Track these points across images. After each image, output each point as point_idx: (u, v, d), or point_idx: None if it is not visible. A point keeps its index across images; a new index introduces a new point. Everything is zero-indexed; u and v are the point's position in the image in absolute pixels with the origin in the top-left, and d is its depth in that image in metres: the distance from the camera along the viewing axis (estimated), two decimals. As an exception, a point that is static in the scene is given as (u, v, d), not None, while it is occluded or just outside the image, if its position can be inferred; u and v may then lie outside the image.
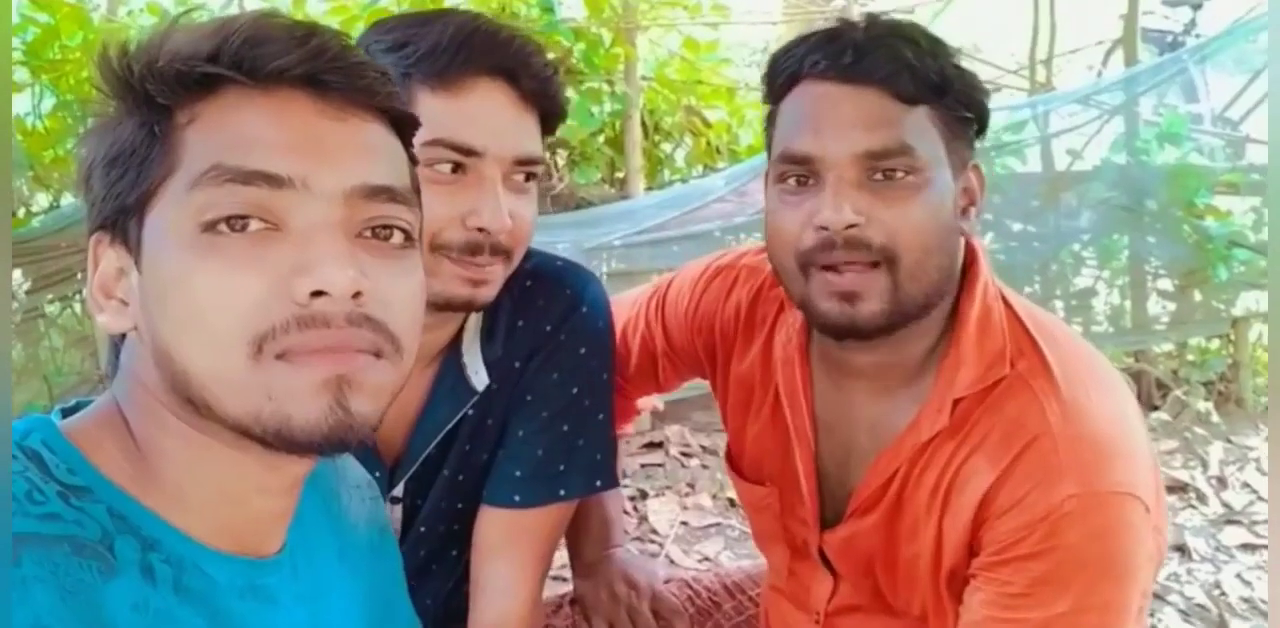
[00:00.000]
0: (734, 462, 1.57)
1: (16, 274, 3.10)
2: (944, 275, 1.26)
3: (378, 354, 0.80)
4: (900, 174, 1.21)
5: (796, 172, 1.25)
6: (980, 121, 1.30)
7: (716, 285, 1.57)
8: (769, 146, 1.32)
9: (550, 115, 1.32)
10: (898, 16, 1.33)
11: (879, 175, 1.21)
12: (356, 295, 0.78)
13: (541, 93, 1.28)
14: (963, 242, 1.30)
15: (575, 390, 1.43)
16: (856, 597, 1.44)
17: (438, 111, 1.22)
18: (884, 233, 1.20)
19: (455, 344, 1.40)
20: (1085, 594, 1.19)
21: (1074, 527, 1.18)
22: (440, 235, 1.22)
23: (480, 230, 1.23)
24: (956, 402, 1.27)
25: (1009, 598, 1.22)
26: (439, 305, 1.25)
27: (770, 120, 1.33)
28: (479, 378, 1.39)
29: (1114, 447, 1.22)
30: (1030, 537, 1.20)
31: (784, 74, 1.28)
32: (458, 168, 1.24)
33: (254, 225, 0.77)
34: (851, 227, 1.19)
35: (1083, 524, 1.18)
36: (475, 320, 1.40)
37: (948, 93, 1.24)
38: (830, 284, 1.22)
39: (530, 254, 1.38)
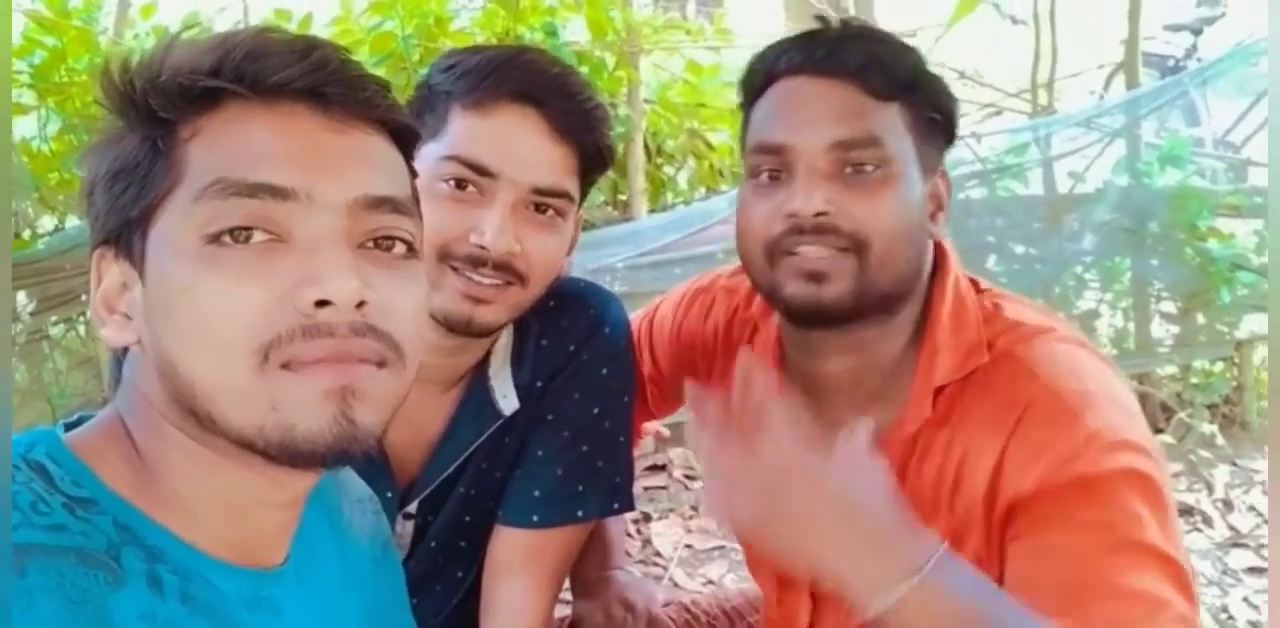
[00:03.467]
0: None
1: (21, 296, 3.11)
2: (912, 269, 1.27)
3: (381, 364, 0.81)
4: (870, 168, 1.23)
5: (770, 164, 1.26)
6: (949, 129, 1.32)
7: (696, 308, 1.58)
8: (743, 145, 1.34)
9: (590, 152, 1.31)
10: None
11: (849, 169, 1.23)
12: (360, 305, 0.78)
13: (576, 126, 1.28)
14: (931, 244, 1.32)
15: (596, 411, 1.43)
16: (842, 622, 1.39)
17: (464, 130, 1.25)
18: (853, 222, 1.21)
19: (481, 367, 1.40)
20: (1142, 507, 1.17)
21: (1104, 453, 1.16)
22: (447, 247, 1.24)
23: (481, 247, 1.24)
24: (938, 392, 1.27)
25: (1080, 529, 1.16)
26: (438, 322, 1.25)
27: (745, 122, 1.35)
28: (507, 402, 1.39)
29: (1112, 392, 1.22)
30: (1070, 466, 1.16)
31: (760, 74, 1.31)
32: (465, 184, 1.25)
33: (258, 237, 0.78)
34: (821, 214, 1.21)
35: (1109, 450, 1.16)
36: (504, 344, 1.40)
37: (917, 91, 1.26)
38: (797, 266, 1.23)
39: None
